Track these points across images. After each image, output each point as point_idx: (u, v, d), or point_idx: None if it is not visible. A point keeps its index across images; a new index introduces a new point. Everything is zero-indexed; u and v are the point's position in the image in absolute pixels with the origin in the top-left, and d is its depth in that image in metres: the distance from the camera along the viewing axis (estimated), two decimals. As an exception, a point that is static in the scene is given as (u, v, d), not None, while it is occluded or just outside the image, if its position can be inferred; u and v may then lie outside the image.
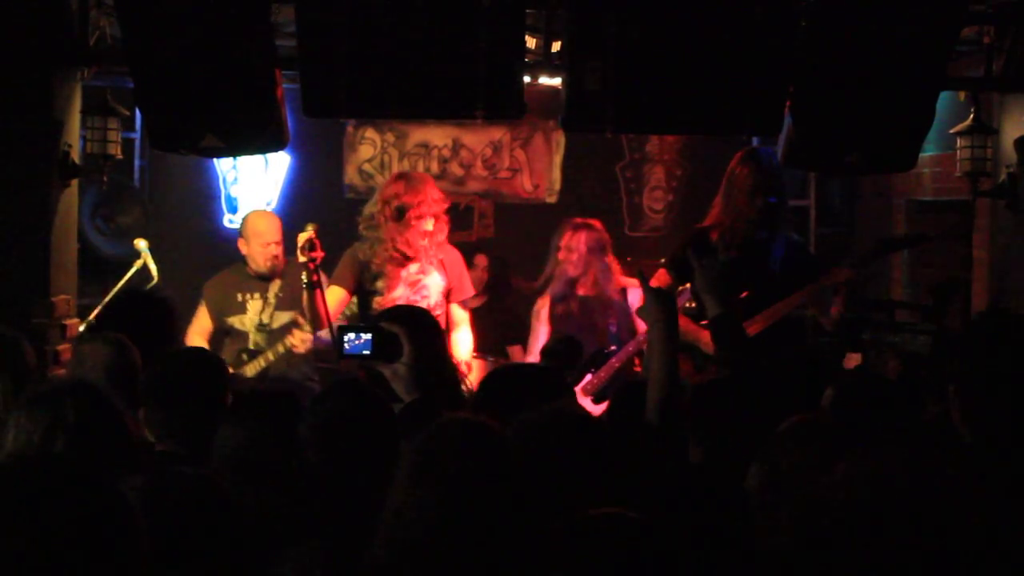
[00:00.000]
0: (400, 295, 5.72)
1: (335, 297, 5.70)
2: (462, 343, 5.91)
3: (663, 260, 5.62)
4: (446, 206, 5.83)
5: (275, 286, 6.06)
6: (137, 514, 1.72)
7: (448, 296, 5.88)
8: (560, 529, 2.07)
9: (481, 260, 7.12)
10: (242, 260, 6.11)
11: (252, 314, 6.03)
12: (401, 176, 5.94)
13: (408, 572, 2.18)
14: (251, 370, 5.90)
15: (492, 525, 2.21)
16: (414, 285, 5.79)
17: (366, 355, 3.39)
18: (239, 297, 6.05)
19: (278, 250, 6.02)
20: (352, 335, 3.39)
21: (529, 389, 3.33)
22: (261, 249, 6.00)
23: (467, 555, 2.18)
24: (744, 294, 5.17)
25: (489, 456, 2.28)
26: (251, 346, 6.00)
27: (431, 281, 5.82)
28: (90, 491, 1.68)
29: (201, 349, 5.47)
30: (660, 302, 3.54)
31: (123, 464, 2.63)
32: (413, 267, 5.78)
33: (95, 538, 1.63)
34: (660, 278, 5.63)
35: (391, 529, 2.23)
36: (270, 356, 5.89)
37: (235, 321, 6.04)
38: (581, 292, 5.99)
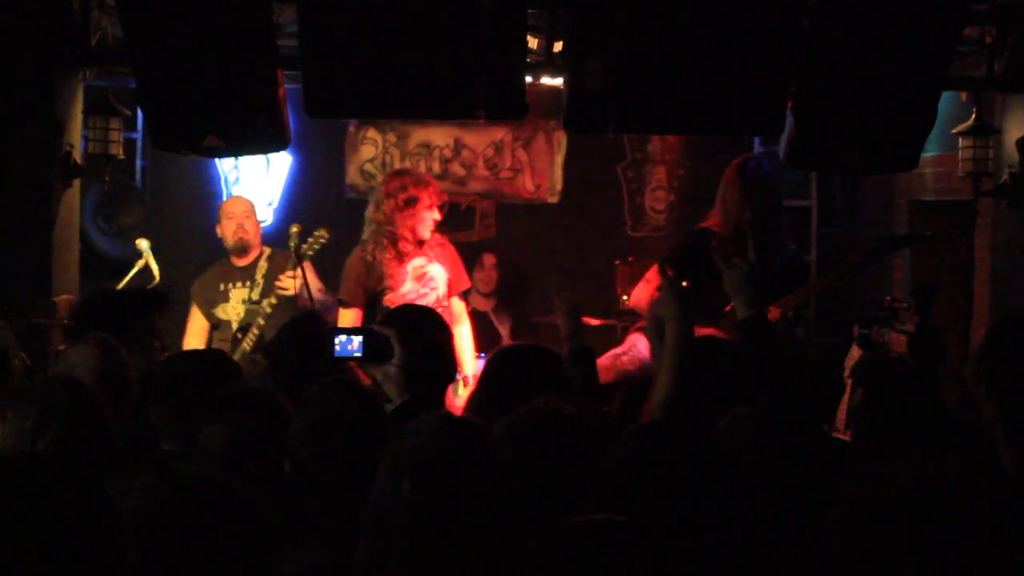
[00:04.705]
0: (409, 289, 5.77)
1: (350, 319, 5.72)
2: (463, 337, 5.94)
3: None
4: (445, 198, 6.07)
5: (261, 269, 6.14)
6: (117, 510, 1.70)
7: (450, 288, 5.94)
8: (545, 535, 2.03)
9: (489, 259, 7.12)
10: (227, 255, 6.27)
11: (235, 302, 6.11)
12: (403, 171, 6.17)
13: (386, 567, 2.18)
14: (248, 344, 5.93)
15: (468, 521, 2.19)
16: (421, 278, 5.84)
17: (357, 357, 3.39)
18: (221, 287, 6.19)
19: (246, 224, 6.20)
20: (342, 337, 3.39)
21: (533, 372, 3.36)
22: (229, 225, 6.19)
23: (443, 550, 2.16)
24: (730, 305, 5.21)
25: (467, 451, 2.27)
26: (236, 333, 6.05)
27: (436, 272, 5.87)
28: (63, 487, 1.67)
29: (210, 349, 5.49)
30: (679, 299, 3.47)
31: (105, 460, 2.63)
32: (417, 260, 5.82)
33: (69, 534, 1.62)
34: (653, 277, 5.64)
35: (370, 522, 2.23)
36: (260, 321, 5.94)
37: (219, 311, 6.14)
38: None
